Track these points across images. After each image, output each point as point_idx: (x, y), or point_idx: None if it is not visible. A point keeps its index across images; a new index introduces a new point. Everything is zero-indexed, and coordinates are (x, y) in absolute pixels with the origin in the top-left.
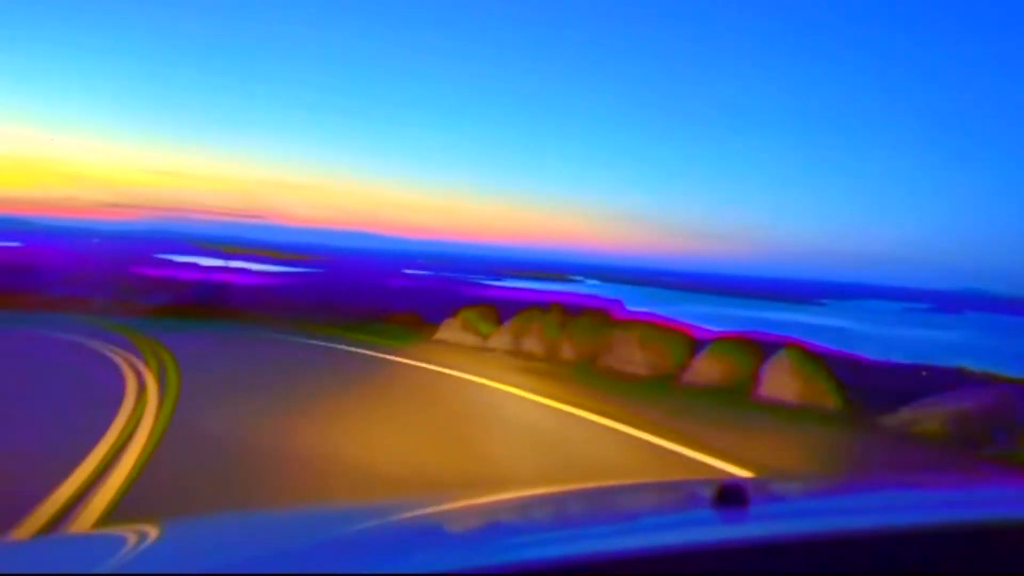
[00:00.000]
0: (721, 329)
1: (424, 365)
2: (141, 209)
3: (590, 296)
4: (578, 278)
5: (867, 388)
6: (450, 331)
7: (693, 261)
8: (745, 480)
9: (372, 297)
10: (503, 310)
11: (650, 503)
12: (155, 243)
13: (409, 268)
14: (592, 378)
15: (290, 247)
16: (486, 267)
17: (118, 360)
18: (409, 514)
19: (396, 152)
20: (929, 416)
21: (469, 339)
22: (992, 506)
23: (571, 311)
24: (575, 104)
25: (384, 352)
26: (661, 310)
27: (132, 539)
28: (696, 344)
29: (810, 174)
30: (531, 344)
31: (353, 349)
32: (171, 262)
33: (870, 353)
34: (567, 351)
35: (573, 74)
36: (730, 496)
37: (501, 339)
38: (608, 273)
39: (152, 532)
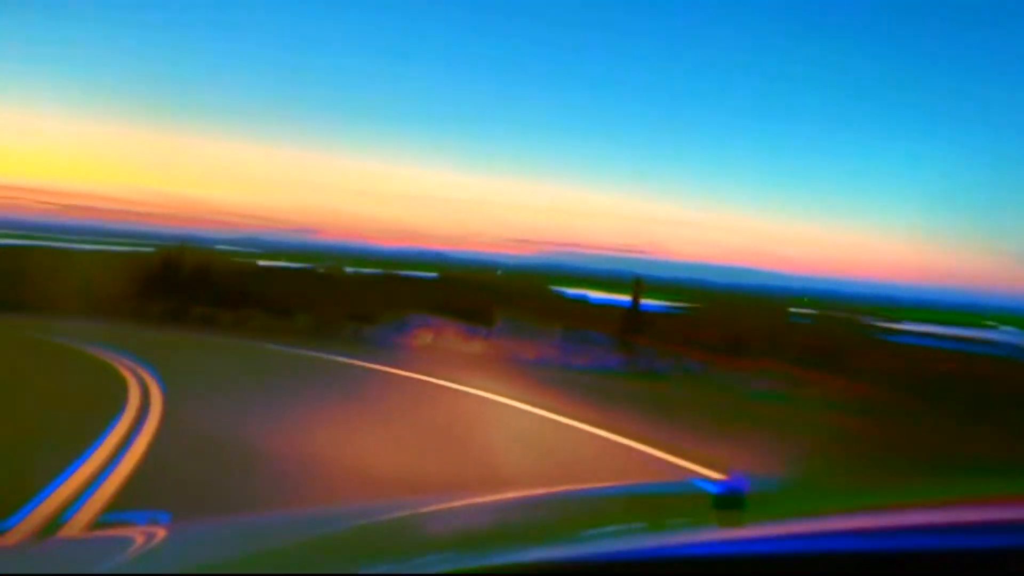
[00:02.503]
0: None
1: None
2: (539, 244)
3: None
4: (990, 323)
5: None
6: None
7: None
8: (743, 482)
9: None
10: None
11: (649, 505)
12: (550, 276)
13: (794, 307)
14: None
15: (672, 282)
16: (878, 307)
17: None
18: (409, 515)
19: (779, 187)
20: None
21: None
22: (995, 511)
23: None
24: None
25: None
26: None
27: (131, 541)
28: None
29: None
30: None
31: None
32: (563, 295)
33: None
34: None
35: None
36: (728, 498)
37: None
38: None
39: (151, 534)
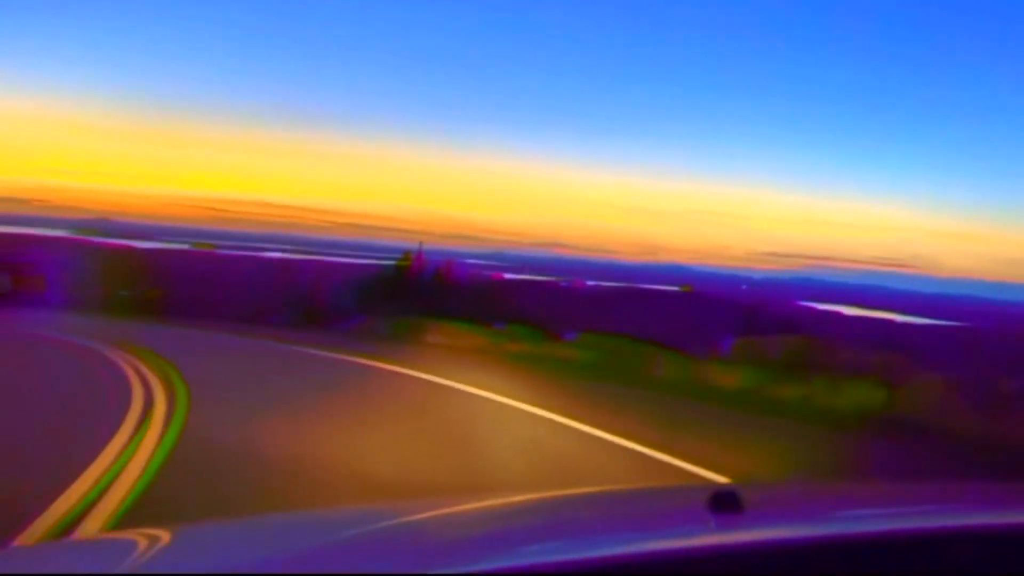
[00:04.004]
0: None
1: None
2: (789, 258)
3: None
4: None
5: None
6: None
7: None
8: (739, 485)
9: None
10: None
11: (646, 508)
12: (799, 291)
13: None
14: None
15: (939, 298)
16: None
17: None
18: (410, 518)
19: None
20: None
21: None
22: (987, 511)
23: None
24: None
25: None
26: None
27: (139, 544)
28: None
29: None
30: None
31: None
32: (812, 310)
33: None
34: None
35: None
36: (725, 501)
37: None
38: None
39: (158, 537)
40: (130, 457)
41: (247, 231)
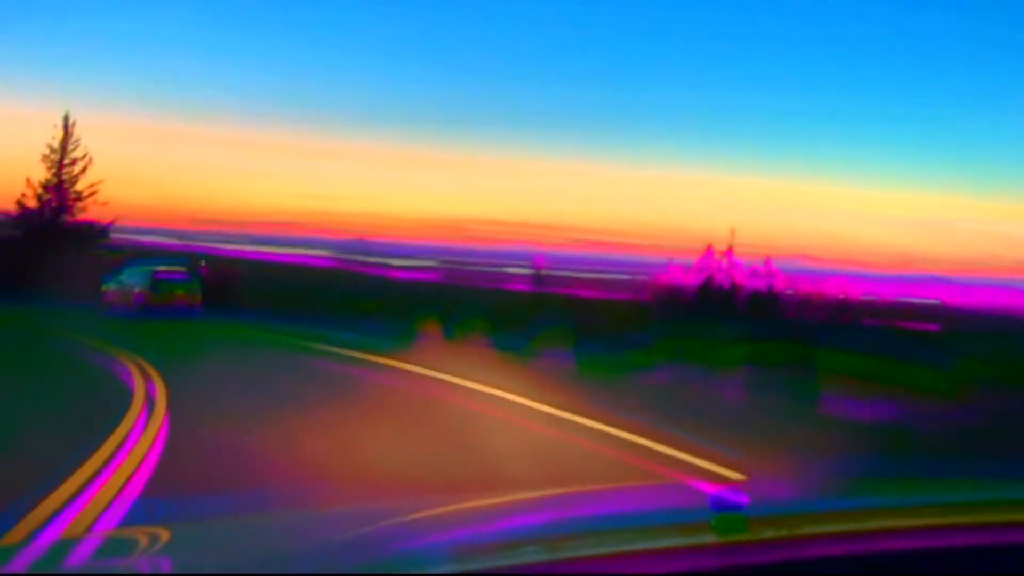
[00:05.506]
0: None
1: None
2: None
3: None
4: None
5: None
6: None
7: None
8: (742, 484)
9: None
10: None
11: (648, 506)
12: None
13: None
14: None
15: None
16: None
17: None
18: (412, 516)
19: None
20: None
21: None
22: (990, 507)
23: None
24: None
25: None
26: None
27: (139, 543)
28: None
29: None
30: None
31: None
32: None
33: None
34: None
35: None
36: (727, 498)
37: None
38: None
39: (158, 536)
40: None
41: (489, 248)
